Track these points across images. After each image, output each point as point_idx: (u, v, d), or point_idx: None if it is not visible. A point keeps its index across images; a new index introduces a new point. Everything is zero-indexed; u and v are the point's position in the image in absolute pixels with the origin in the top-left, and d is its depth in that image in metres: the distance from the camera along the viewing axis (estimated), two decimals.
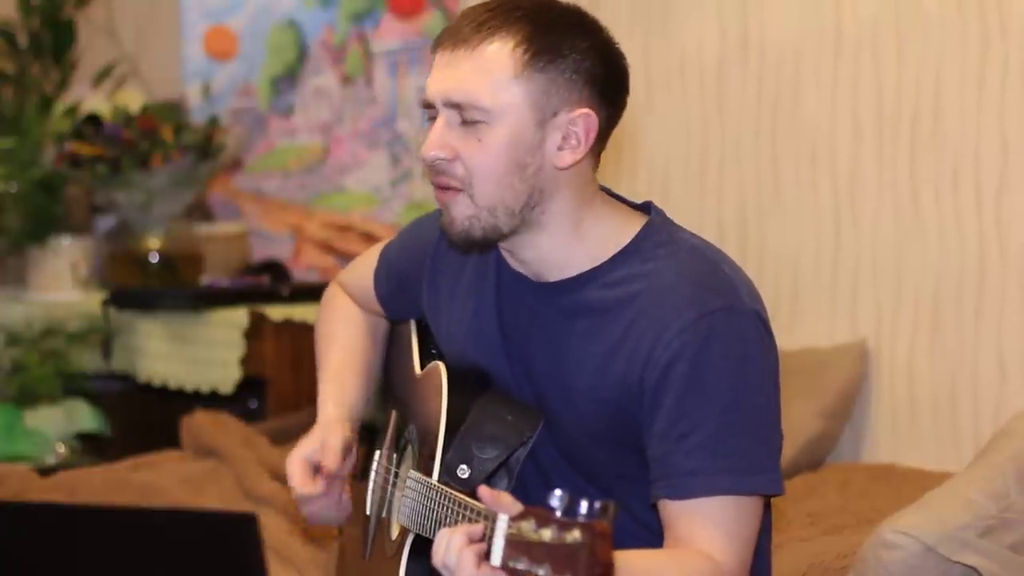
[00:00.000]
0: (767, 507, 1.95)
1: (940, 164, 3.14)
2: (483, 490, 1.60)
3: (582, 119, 1.86)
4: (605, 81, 1.88)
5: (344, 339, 2.24)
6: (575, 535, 1.45)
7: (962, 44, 3.10)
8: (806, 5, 3.32)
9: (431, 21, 4.08)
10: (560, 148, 1.87)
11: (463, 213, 1.87)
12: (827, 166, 3.31)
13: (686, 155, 3.53)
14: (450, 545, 1.61)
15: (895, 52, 3.20)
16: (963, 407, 3.13)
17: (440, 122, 1.87)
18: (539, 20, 1.86)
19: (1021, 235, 3.04)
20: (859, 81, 3.25)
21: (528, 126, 1.85)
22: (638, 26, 3.57)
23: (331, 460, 2.07)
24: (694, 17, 3.49)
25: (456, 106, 1.86)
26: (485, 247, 1.92)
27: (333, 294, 2.32)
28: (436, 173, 1.88)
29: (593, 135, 1.88)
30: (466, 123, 1.86)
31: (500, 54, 1.85)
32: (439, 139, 1.87)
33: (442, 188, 1.88)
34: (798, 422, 3.04)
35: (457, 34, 1.88)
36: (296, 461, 2.09)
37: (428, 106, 1.90)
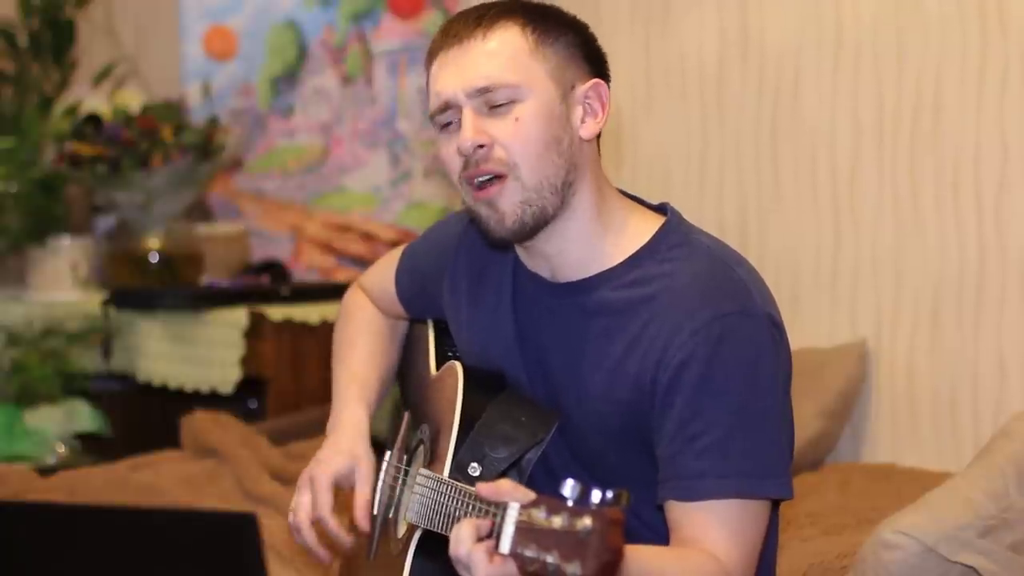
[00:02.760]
0: (775, 509, 1.95)
1: (940, 164, 3.14)
2: (481, 486, 1.60)
3: (595, 89, 1.92)
4: (597, 56, 1.95)
5: (363, 343, 2.24)
6: (585, 522, 1.45)
7: (962, 44, 3.10)
8: (806, 5, 3.32)
9: (431, 21, 4.08)
10: (583, 121, 1.91)
11: (514, 200, 1.87)
12: (827, 166, 3.31)
13: (686, 155, 3.53)
14: (459, 537, 1.60)
15: (895, 52, 3.20)
16: (963, 407, 3.13)
17: (468, 113, 1.87)
18: (529, 7, 1.93)
19: (1021, 235, 3.04)
20: (859, 81, 3.25)
21: (555, 99, 1.88)
22: (638, 26, 3.58)
23: (363, 501, 2.06)
24: (694, 17, 3.49)
25: (483, 91, 1.87)
26: (532, 236, 1.90)
27: (353, 296, 2.32)
28: (476, 165, 1.87)
29: (608, 104, 1.92)
30: (496, 108, 1.87)
31: (512, 35, 1.88)
32: (473, 128, 1.86)
33: (483, 186, 1.87)
34: (798, 422, 3.02)
35: (458, 33, 1.90)
36: (325, 480, 2.07)
37: (443, 110, 1.90)
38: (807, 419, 3.11)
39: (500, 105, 1.87)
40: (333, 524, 2.06)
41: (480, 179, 1.88)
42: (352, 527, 2.24)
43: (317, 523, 2.08)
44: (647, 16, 3.57)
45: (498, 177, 1.87)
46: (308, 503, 2.07)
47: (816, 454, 3.18)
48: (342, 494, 2.12)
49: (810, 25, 3.32)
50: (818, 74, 3.31)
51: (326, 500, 2.06)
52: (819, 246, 3.33)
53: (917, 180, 3.18)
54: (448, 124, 1.90)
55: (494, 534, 1.55)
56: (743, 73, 3.42)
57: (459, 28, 1.90)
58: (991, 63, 3.06)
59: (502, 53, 1.87)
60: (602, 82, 1.93)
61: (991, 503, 2.19)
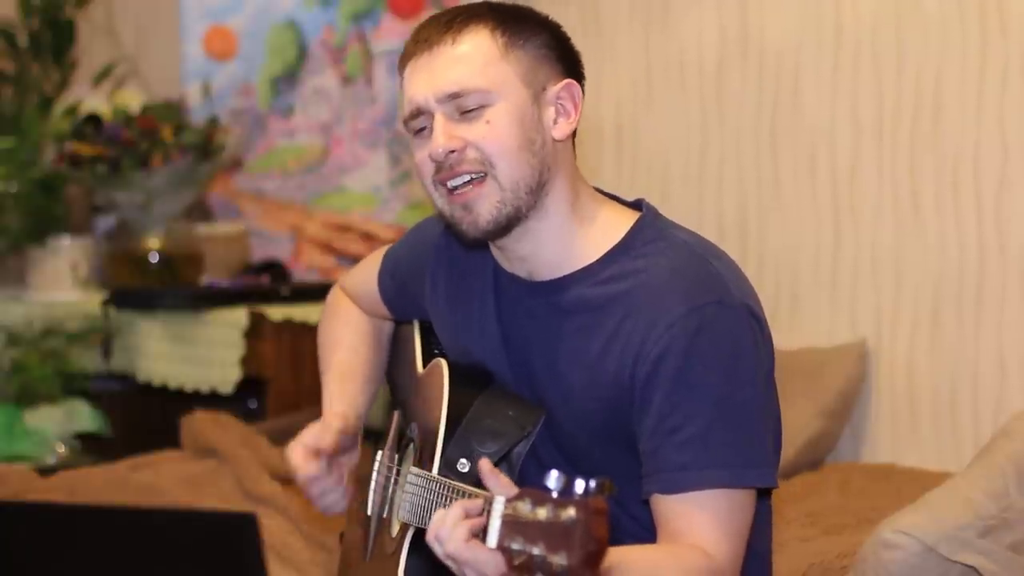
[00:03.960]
0: (767, 505, 1.95)
1: (940, 164, 3.14)
2: (484, 462, 1.61)
3: (567, 90, 1.92)
4: (570, 55, 1.95)
5: (348, 343, 2.25)
6: (570, 513, 1.46)
7: (962, 44, 3.10)
8: (806, 4, 3.32)
9: None
10: (555, 121, 1.91)
11: (491, 200, 1.87)
12: (827, 166, 3.31)
13: (686, 154, 3.53)
14: (445, 518, 1.62)
15: (895, 52, 3.20)
16: (963, 407, 3.13)
17: (440, 119, 1.88)
18: (499, 9, 1.93)
19: (1021, 235, 3.04)
20: (859, 81, 3.25)
21: (526, 101, 1.89)
22: (638, 25, 3.57)
23: (328, 441, 2.08)
24: (694, 15, 3.49)
25: (454, 96, 1.87)
26: (504, 235, 1.91)
27: (336, 299, 2.32)
28: (450, 168, 1.87)
29: (580, 104, 1.93)
30: (467, 113, 1.87)
31: (481, 40, 1.89)
32: (445, 133, 1.87)
33: (459, 189, 1.88)
34: (798, 422, 3.04)
35: (428, 39, 1.91)
36: (296, 447, 2.12)
37: (415, 116, 1.91)
38: (807, 419, 3.11)
39: (471, 110, 1.87)
40: (307, 466, 2.09)
41: (455, 182, 1.88)
42: (344, 530, 2.24)
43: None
44: (647, 14, 3.57)
45: (475, 180, 1.87)
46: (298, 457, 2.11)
47: (816, 454, 3.18)
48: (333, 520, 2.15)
49: (810, 24, 3.32)
50: (818, 73, 3.31)
51: (294, 455, 2.11)
52: (819, 245, 3.33)
53: (917, 180, 3.18)
54: (421, 130, 1.91)
55: (479, 519, 1.57)
56: (743, 72, 3.42)
57: (429, 33, 1.91)
58: (991, 63, 3.06)
59: (472, 58, 1.87)
60: (574, 82, 1.93)
61: (991, 503, 2.19)
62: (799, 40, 3.34)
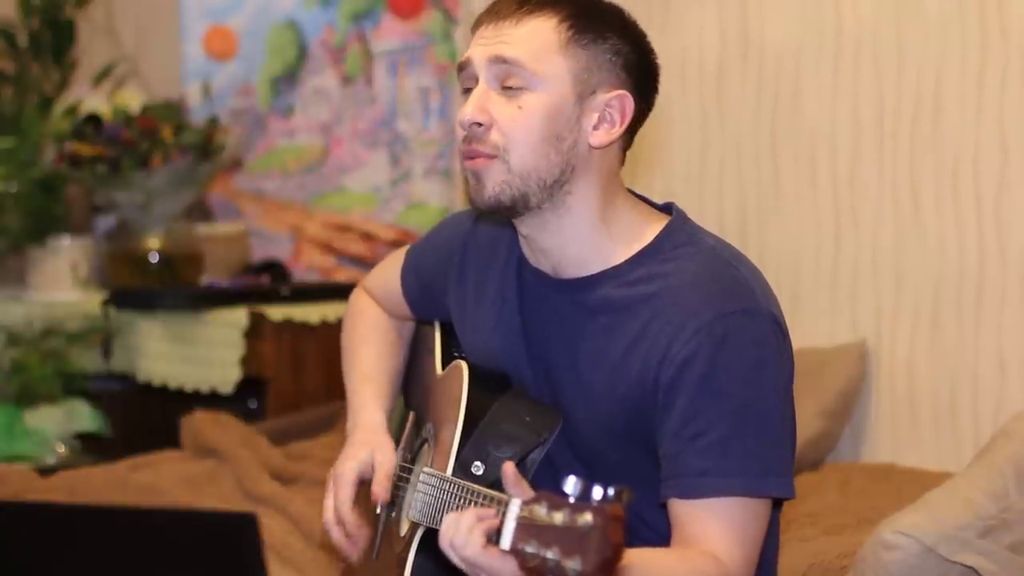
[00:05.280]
0: (776, 509, 1.95)
1: (940, 164, 3.14)
2: (509, 466, 1.61)
3: (619, 100, 1.91)
4: (640, 70, 1.94)
5: (374, 342, 2.25)
6: (586, 518, 1.45)
7: (962, 44, 3.10)
8: (806, 5, 3.32)
9: (431, 21, 4.08)
10: (595, 127, 1.90)
11: (496, 179, 1.88)
12: (827, 166, 3.31)
13: (686, 154, 3.53)
14: (460, 524, 1.61)
15: (895, 52, 3.20)
16: (963, 407, 3.13)
17: (481, 87, 1.89)
18: (581, 3, 1.92)
19: (1021, 235, 3.04)
20: (859, 81, 3.25)
21: (568, 99, 1.88)
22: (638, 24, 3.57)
23: (382, 487, 2.06)
24: (694, 16, 3.49)
25: (501, 61, 1.87)
26: (512, 213, 1.91)
27: (358, 299, 2.32)
28: (469, 141, 1.88)
29: (628, 118, 1.91)
30: (507, 90, 1.88)
31: (545, 27, 1.88)
32: (479, 104, 1.88)
33: (472, 157, 1.89)
34: (798, 422, 3.03)
35: (499, 12, 1.91)
36: (348, 475, 2.07)
37: (463, 68, 1.91)
38: (807, 419, 3.11)
39: (511, 88, 1.87)
40: (350, 520, 2.07)
41: (468, 154, 1.89)
42: (365, 520, 2.24)
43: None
44: (647, 14, 3.56)
45: (486, 155, 1.88)
46: (332, 503, 2.08)
47: (816, 454, 3.18)
48: (364, 489, 2.13)
49: (810, 25, 3.32)
50: (818, 74, 3.31)
51: (347, 495, 2.07)
52: (819, 246, 3.33)
53: (917, 180, 3.18)
54: (468, 90, 1.92)
55: (494, 522, 1.57)
56: (743, 73, 3.42)
57: (502, 6, 1.91)
58: (991, 63, 3.06)
59: (528, 41, 1.87)
60: (628, 95, 1.91)
61: (991, 503, 2.19)
62: (799, 41, 3.34)
